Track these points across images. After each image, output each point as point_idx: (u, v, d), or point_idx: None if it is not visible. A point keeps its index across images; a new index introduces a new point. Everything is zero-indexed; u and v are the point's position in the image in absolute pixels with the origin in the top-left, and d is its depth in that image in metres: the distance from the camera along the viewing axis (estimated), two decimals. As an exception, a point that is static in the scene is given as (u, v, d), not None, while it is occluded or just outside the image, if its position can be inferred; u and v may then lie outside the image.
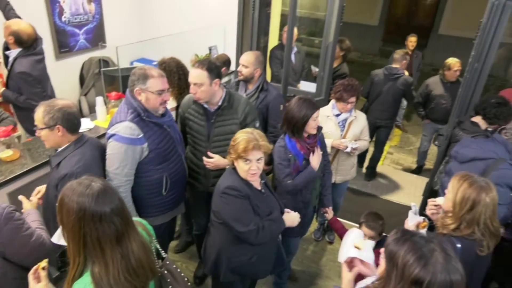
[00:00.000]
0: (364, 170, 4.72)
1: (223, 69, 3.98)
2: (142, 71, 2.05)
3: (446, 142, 3.19)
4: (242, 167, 1.89)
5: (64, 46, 3.88)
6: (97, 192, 1.22)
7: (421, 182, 4.16)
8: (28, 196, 1.95)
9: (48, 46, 3.68)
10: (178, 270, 1.49)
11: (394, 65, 4.21)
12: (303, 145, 2.34)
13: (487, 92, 3.32)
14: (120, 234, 1.24)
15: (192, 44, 4.81)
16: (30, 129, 2.90)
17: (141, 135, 2.04)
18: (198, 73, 2.26)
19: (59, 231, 1.53)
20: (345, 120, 2.97)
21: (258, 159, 1.87)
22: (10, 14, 3.08)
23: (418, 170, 4.96)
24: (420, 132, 5.12)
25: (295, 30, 4.24)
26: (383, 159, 5.22)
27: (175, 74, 2.79)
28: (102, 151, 2.09)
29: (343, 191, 3.34)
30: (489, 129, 2.68)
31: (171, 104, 2.71)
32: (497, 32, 2.88)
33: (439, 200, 1.93)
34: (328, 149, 2.77)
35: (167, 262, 1.49)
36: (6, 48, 3.05)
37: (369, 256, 1.71)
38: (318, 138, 2.42)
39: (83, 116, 3.92)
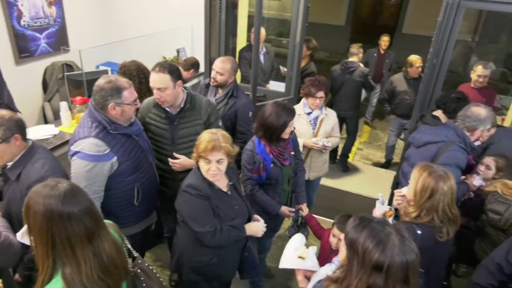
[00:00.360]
0: (338, 158, 4.92)
1: (191, 71, 3.96)
2: (112, 84, 1.93)
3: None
4: (202, 167, 1.90)
5: (24, 51, 3.73)
6: (63, 192, 1.19)
7: (390, 175, 4.30)
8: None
9: (6, 51, 3.53)
10: (151, 267, 1.48)
11: (350, 59, 4.37)
12: (274, 149, 2.34)
13: (447, 87, 3.48)
14: (90, 233, 1.20)
15: (160, 46, 4.76)
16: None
17: (108, 149, 1.94)
18: (160, 77, 2.21)
19: (23, 229, 1.52)
20: (317, 118, 3.04)
21: (218, 160, 1.86)
22: None
23: (387, 164, 5.13)
24: (388, 128, 5.30)
25: (263, 31, 4.29)
26: (353, 155, 5.37)
27: (135, 78, 2.74)
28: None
29: (317, 187, 3.42)
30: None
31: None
32: (453, 30, 3.04)
33: (404, 190, 2.01)
34: (301, 148, 2.82)
35: (139, 261, 1.47)
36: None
37: (313, 265, 1.74)
38: (290, 139, 2.44)
39: (47, 123, 3.81)
